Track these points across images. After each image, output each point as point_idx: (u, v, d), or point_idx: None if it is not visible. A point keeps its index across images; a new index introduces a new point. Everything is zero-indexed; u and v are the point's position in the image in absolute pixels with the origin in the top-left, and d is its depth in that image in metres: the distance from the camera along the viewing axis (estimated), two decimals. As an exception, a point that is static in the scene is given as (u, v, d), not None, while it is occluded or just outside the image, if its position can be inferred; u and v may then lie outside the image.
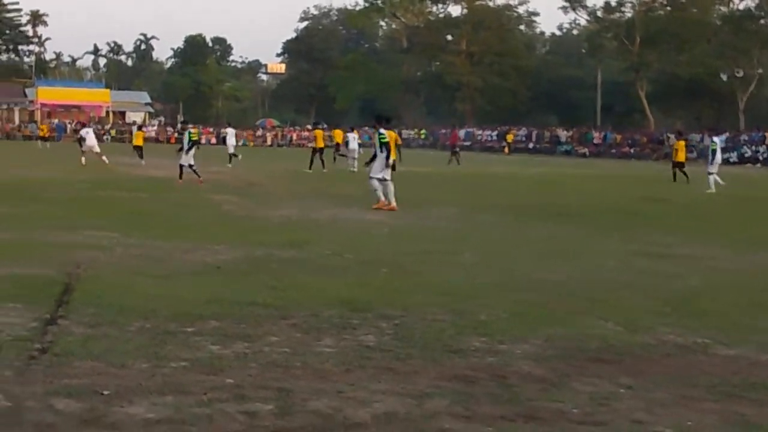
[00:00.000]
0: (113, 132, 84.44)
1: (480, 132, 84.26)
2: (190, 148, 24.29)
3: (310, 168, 32.96)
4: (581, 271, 10.36)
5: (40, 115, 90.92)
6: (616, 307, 8.22)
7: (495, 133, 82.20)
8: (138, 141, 39.32)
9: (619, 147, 72.45)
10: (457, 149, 46.39)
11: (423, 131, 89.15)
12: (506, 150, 74.43)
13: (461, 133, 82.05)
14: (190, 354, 6.05)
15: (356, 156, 34.58)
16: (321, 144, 34.87)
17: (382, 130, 19.15)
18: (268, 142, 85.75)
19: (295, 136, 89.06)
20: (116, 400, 4.98)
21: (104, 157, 33.01)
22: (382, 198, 18.24)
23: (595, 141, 74.99)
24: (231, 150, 39.09)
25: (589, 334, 6.99)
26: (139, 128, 54.07)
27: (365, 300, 8.11)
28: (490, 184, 30.00)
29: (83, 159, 33.09)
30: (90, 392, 5.10)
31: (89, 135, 35.97)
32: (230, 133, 42.47)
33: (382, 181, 18.34)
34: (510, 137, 77.41)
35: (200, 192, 21.12)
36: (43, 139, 61.46)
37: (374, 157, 18.97)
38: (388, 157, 18.63)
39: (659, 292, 9.03)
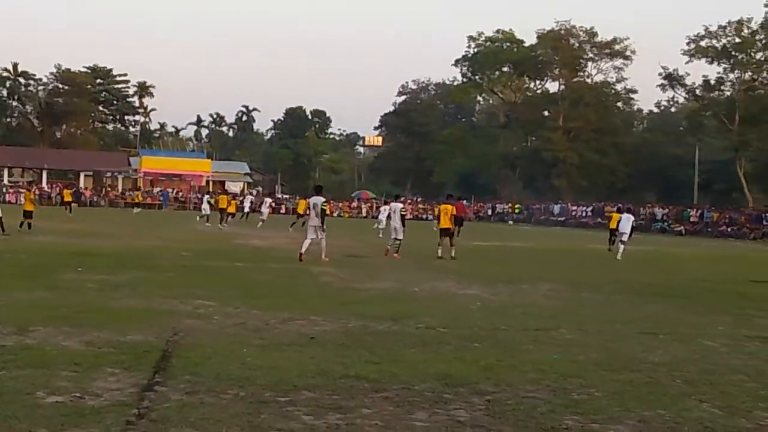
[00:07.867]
0: (212, 200, 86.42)
1: (575, 208, 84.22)
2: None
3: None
4: (685, 352, 10.06)
5: (143, 183, 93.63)
6: (717, 389, 7.96)
7: (590, 209, 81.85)
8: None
9: (716, 225, 71.19)
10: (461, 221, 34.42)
11: (518, 206, 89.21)
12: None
13: (556, 208, 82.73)
14: (283, 424, 6.10)
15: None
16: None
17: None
18: (363, 214, 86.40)
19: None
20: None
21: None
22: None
23: (692, 219, 73.91)
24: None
25: (686, 417, 6.81)
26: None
27: (459, 375, 8.06)
28: (586, 260, 29.66)
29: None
30: (186, 458, 5.19)
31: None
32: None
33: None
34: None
35: (298, 263, 21.33)
36: (136, 205, 60.69)
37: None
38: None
39: (765, 377, 8.73)
